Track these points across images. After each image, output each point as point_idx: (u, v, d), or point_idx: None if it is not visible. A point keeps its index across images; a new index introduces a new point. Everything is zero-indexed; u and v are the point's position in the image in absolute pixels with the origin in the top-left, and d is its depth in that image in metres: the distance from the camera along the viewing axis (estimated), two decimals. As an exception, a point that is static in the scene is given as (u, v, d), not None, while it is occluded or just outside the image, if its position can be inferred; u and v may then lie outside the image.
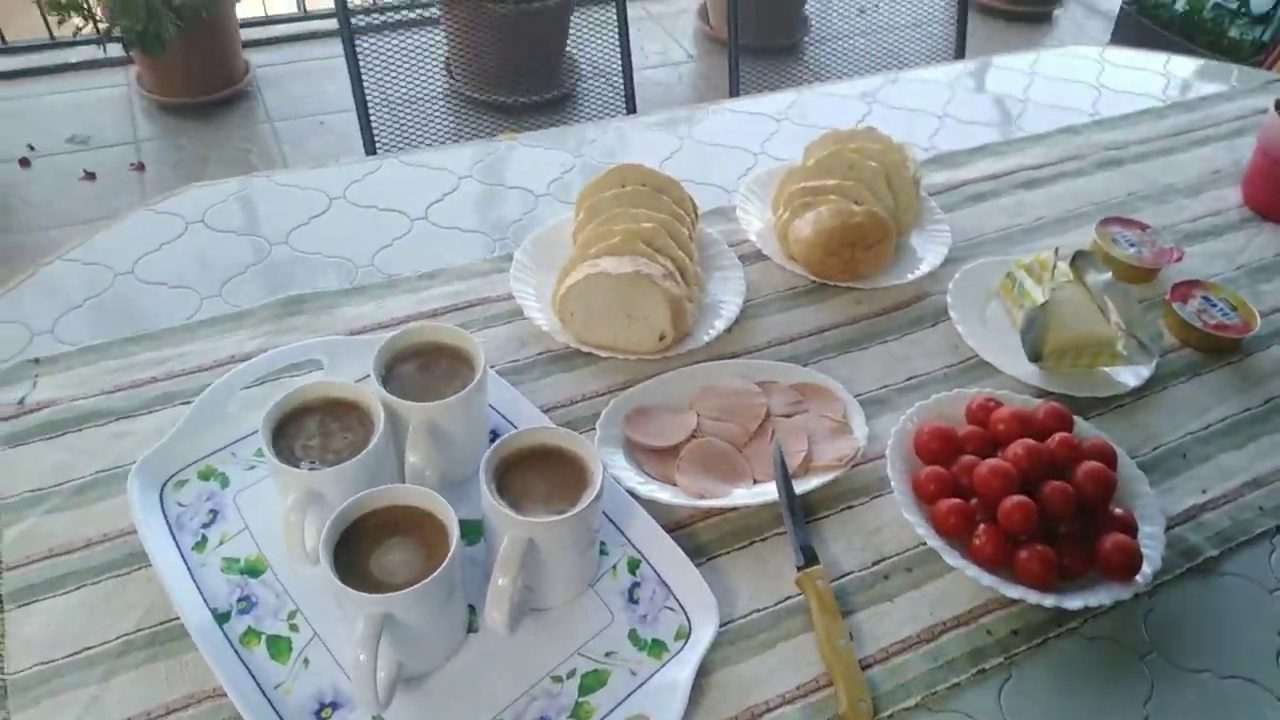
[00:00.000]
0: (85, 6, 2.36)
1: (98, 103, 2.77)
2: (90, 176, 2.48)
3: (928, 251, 1.04)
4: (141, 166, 2.53)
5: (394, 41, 1.88)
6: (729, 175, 1.18)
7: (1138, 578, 0.69)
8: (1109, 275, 0.92)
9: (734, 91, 1.64)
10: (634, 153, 1.20)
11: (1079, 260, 0.94)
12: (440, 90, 2.13)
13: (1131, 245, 1.04)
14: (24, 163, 2.51)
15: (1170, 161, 1.25)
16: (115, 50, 2.54)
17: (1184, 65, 1.51)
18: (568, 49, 2.98)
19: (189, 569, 0.68)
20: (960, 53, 1.85)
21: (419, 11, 2.35)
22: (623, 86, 1.88)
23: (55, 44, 2.86)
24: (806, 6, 3.18)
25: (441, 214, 1.08)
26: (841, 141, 1.09)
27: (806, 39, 3.18)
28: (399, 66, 1.87)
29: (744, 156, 1.23)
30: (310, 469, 0.66)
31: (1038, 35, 3.64)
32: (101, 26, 2.48)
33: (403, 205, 1.08)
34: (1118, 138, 1.29)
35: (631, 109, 1.80)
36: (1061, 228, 1.11)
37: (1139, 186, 1.20)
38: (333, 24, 3.12)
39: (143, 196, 2.45)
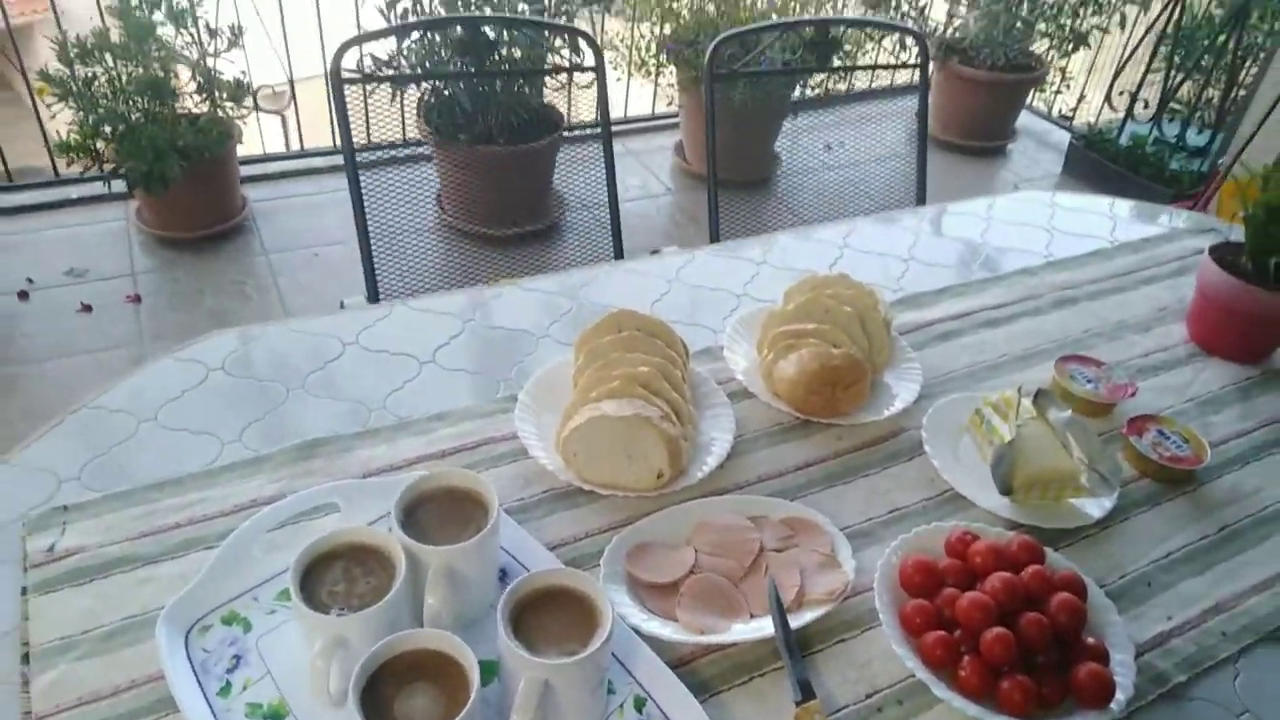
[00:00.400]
0: (93, 149, 2.48)
1: (96, 236, 2.87)
2: (87, 309, 2.55)
3: (901, 388, 1.12)
4: (138, 299, 2.60)
5: (388, 177, 1.99)
6: (715, 315, 1.26)
7: (1112, 705, 0.74)
8: (1069, 412, 1.00)
9: (714, 234, 1.75)
10: (626, 296, 1.29)
11: (1040, 398, 1.02)
12: (431, 223, 2.23)
13: (1089, 381, 1.13)
14: (23, 295, 2.58)
15: (1121, 300, 1.36)
16: (118, 186, 2.65)
17: (1128, 209, 1.65)
18: (553, 183, 3.14)
19: (214, 716, 0.71)
20: (921, 186, 1.99)
21: (412, 149, 2.49)
22: (609, 219, 1.99)
23: (60, 181, 2.97)
24: (776, 144, 3.41)
25: (448, 357, 1.15)
26: (818, 287, 1.18)
27: (778, 173, 3.39)
28: (392, 200, 1.96)
29: (728, 298, 1.32)
30: (338, 614, 0.70)
31: (993, 167, 3.87)
32: (107, 166, 2.59)
33: (412, 349, 1.15)
34: (1071, 277, 1.40)
35: (617, 239, 1.90)
36: (1023, 364, 1.20)
37: (1093, 324, 1.30)
38: (325, 160, 3.29)
39: (138, 328, 2.51)
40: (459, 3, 2.62)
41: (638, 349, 1.05)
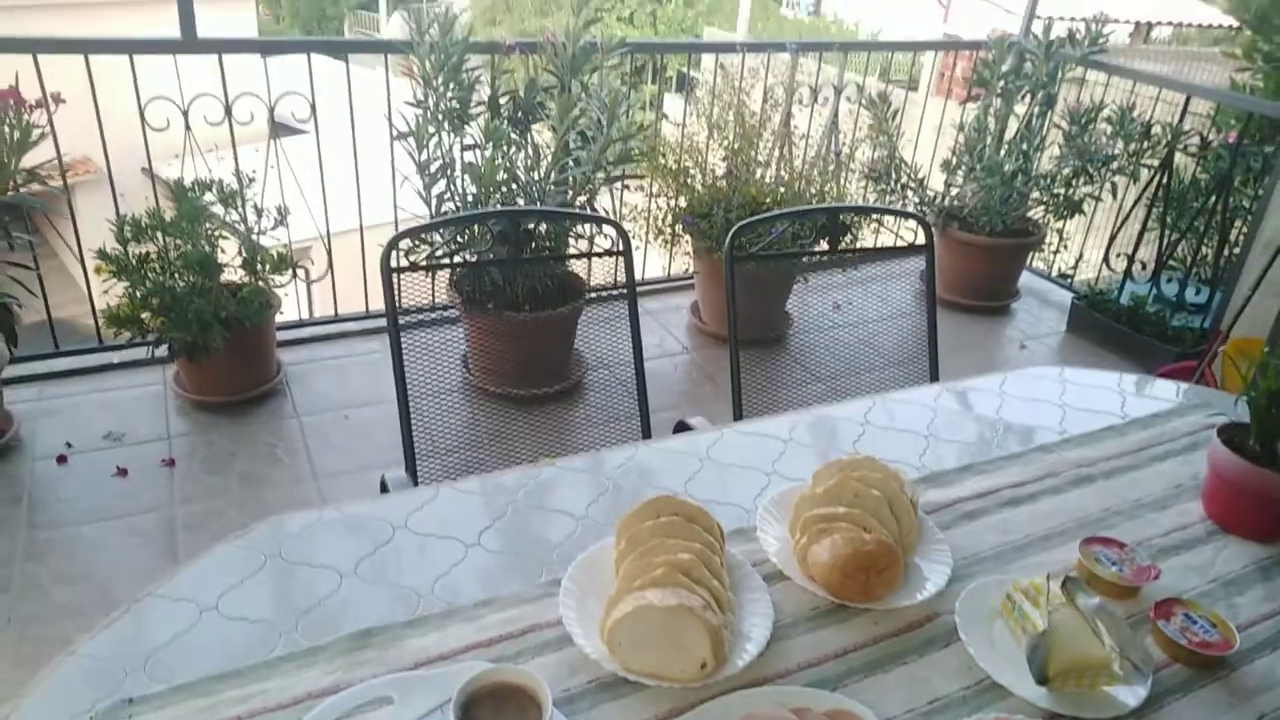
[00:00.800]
0: (141, 321, 2.61)
1: (135, 400, 2.97)
2: (122, 472, 2.61)
3: (933, 571, 1.16)
4: (172, 462, 2.67)
5: (418, 339, 2.07)
6: (746, 494, 1.32)
7: None
8: (1097, 599, 1.03)
9: (738, 410, 1.83)
10: (660, 474, 1.35)
11: (1068, 584, 1.05)
12: (458, 383, 2.32)
13: (1113, 564, 1.16)
14: (61, 459, 2.65)
15: (1136, 477, 1.41)
16: (160, 351, 2.76)
17: (1135, 383, 1.72)
18: (575, 345, 3.27)
19: None
20: (934, 364, 2.07)
21: (440, 313, 2.61)
22: (631, 380, 2.07)
23: (103, 347, 3.10)
24: (788, 304, 3.56)
25: (492, 539, 1.20)
26: (845, 470, 1.24)
27: (790, 331, 3.52)
28: (422, 362, 2.03)
29: (758, 476, 1.37)
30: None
31: (999, 325, 4.00)
32: (150, 334, 2.72)
33: (457, 532, 1.20)
34: (1087, 454, 1.45)
35: (643, 397, 1.97)
36: (1048, 544, 1.24)
37: (1112, 502, 1.34)
38: (357, 325, 3.43)
39: (171, 493, 2.57)
40: (496, 197, 2.81)
41: (677, 534, 1.10)
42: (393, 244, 1.79)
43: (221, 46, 2.86)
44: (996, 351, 3.81)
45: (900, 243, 3.42)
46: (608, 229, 2.56)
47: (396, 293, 1.79)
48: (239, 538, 1.16)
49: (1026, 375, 1.73)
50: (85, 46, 2.75)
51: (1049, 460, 1.43)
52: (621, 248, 2.09)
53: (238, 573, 1.10)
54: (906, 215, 2.18)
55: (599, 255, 2.14)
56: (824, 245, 2.27)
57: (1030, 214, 4.02)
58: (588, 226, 3.04)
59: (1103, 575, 1.14)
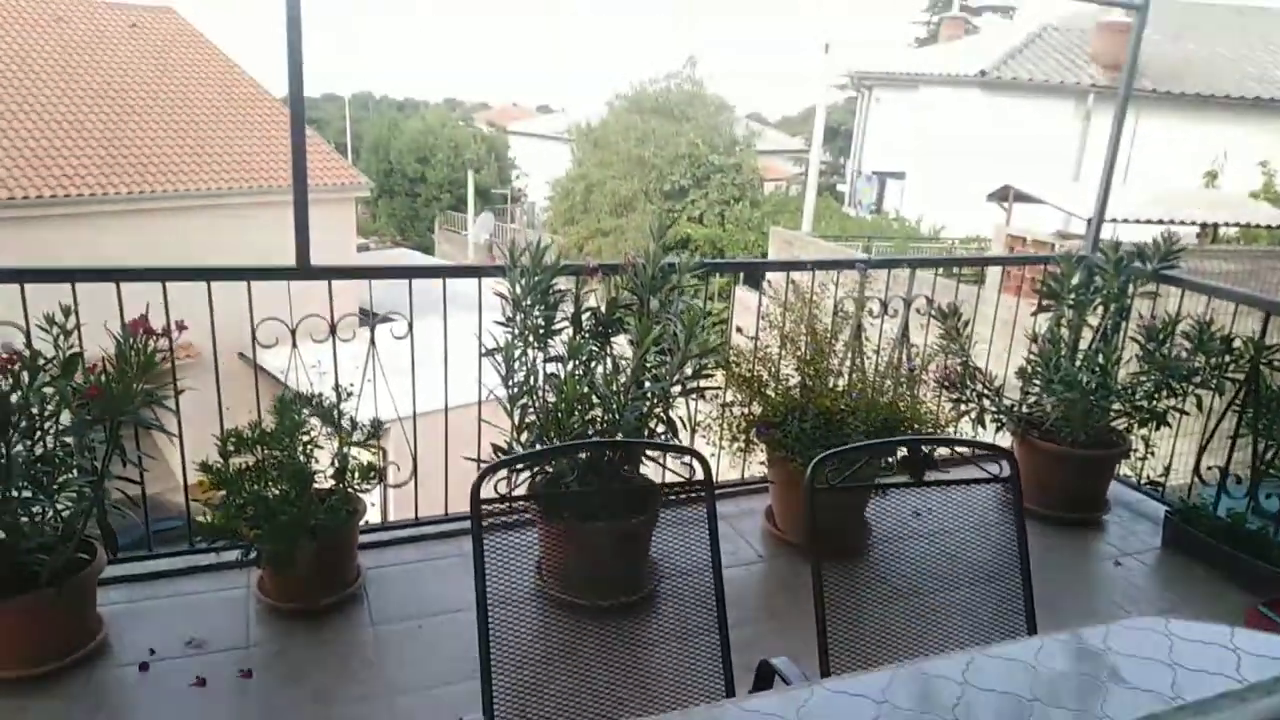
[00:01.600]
0: (236, 532, 2.70)
1: (219, 603, 3.02)
2: (201, 682, 2.63)
3: None
4: (250, 674, 2.68)
5: (493, 541, 2.06)
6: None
7: None
8: None
9: (824, 666, 1.78)
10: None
11: None
12: (530, 590, 2.31)
13: None
14: (143, 667, 2.68)
15: (1264, 758, 1.31)
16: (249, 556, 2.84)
17: (1249, 640, 1.63)
18: (650, 552, 3.25)
19: None
20: (1030, 614, 2.00)
21: (516, 516, 2.62)
22: (712, 585, 2.04)
23: (193, 550, 3.20)
24: (867, 511, 3.50)
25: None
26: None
27: (870, 541, 3.44)
28: (496, 566, 2.02)
29: (851, 744, 1.32)
30: None
31: (1089, 539, 3.84)
32: (241, 542, 2.80)
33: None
34: (1205, 727, 1.36)
35: (721, 607, 1.94)
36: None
37: (1241, 790, 1.24)
38: (436, 528, 3.48)
39: (243, 707, 2.56)
40: (577, 410, 2.91)
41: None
42: (483, 476, 1.86)
43: (331, 274, 3.11)
44: (1089, 569, 3.64)
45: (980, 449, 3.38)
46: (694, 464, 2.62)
47: (480, 525, 1.84)
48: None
49: (1132, 628, 1.65)
50: (208, 275, 3.03)
51: (1165, 734, 1.35)
52: (702, 477, 2.12)
53: None
54: (990, 450, 2.18)
55: (678, 491, 2.18)
56: (904, 473, 2.26)
57: (1114, 423, 3.95)
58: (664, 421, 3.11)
59: None
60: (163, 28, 18.27)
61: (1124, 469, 4.25)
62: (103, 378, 2.45)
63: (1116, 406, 3.84)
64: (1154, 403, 3.79)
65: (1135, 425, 3.91)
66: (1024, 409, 4.02)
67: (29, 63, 15.49)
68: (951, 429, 3.70)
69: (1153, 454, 4.14)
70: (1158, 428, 3.87)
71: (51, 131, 14.23)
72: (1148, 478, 4.30)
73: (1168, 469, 4.29)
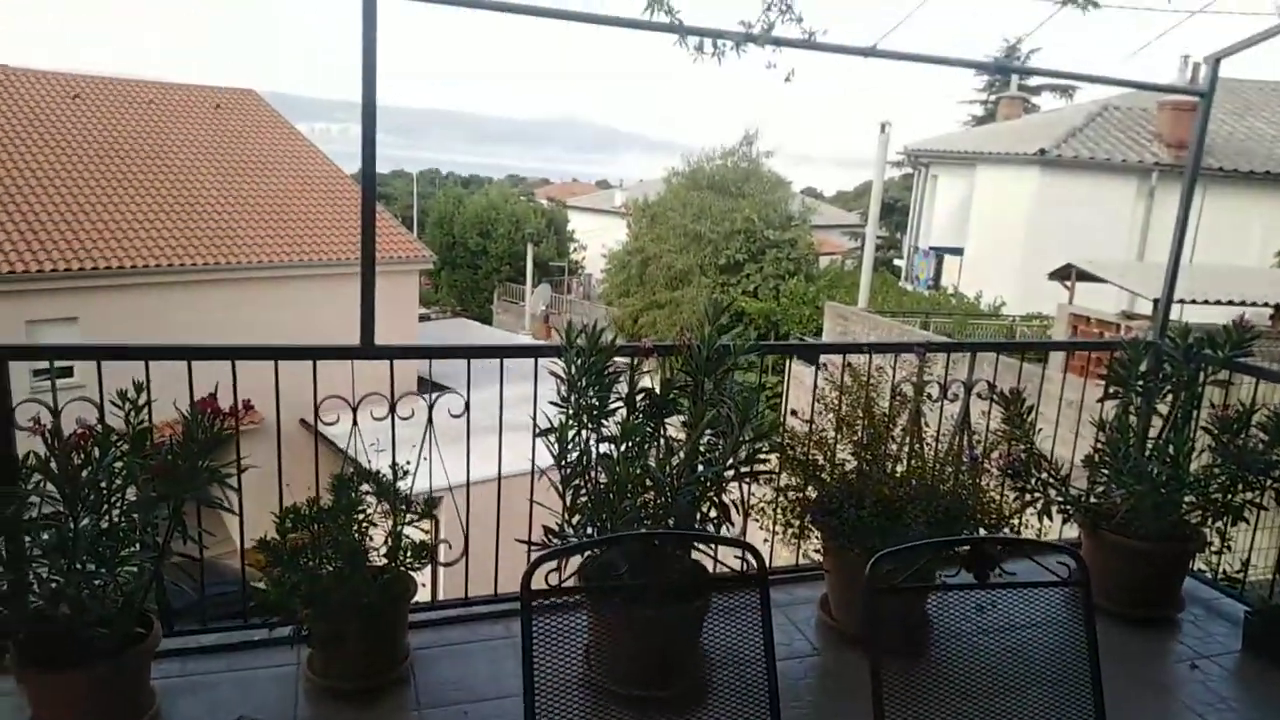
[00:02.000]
0: (291, 610, 2.72)
1: (269, 680, 3.02)
2: (247, 764, 2.62)
3: None
4: (297, 758, 2.66)
5: (542, 624, 2.01)
6: None
7: None
8: None
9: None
10: None
11: None
12: (578, 678, 2.25)
13: None
14: (193, 747, 2.69)
15: None
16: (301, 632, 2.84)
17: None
18: (701, 639, 3.17)
19: None
20: (1095, 668, 1.90)
21: (566, 598, 2.57)
22: (765, 678, 1.97)
23: (246, 626, 3.23)
24: (927, 605, 3.38)
25: None
26: None
27: (930, 637, 3.31)
28: (544, 651, 1.97)
29: None
30: None
31: (1164, 640, 3.65)
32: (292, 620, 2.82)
33: None
34: None
35: (774, 703, 1.87)
36: None
37: None
38: (486, 608, 3.46)
39: (289, 789, 2.54)
40: (627, 501, 2.90)
41: None
42: (533, 567, 1.85)
43: (394, 353, 3.18)
44: (1164, 673, 3.45)
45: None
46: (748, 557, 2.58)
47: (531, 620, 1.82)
48: None
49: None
50: (275, 353, 3.12)
51: None
52: (755, 570, 2.08)
53: None
54: (1059, 549, 2.11)
55: (731, 581, 2.14)
56: (967, 568, 2.19)
57: (1187, 516, 3.79)
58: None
59: None
60: (245, 107, 19.39)
61: (1199, 563, 4.06)
62: (169, 455, 2.52)
63: (1189, 499, 3.68)
64: (1229, 496, 3.63)
65: (1210, 518, 3.75)
66: (1092, 499, 3.87)
67: (118, 142, 16.52)
68: (1016, 520, 3.58)
69: (1229, 548, 3.94)
70: (1234, 523, 3.70)
71: (139, 205, 15.17)
72: (1224, 573, 4.09)
73: (1246, 563, 4.07)
